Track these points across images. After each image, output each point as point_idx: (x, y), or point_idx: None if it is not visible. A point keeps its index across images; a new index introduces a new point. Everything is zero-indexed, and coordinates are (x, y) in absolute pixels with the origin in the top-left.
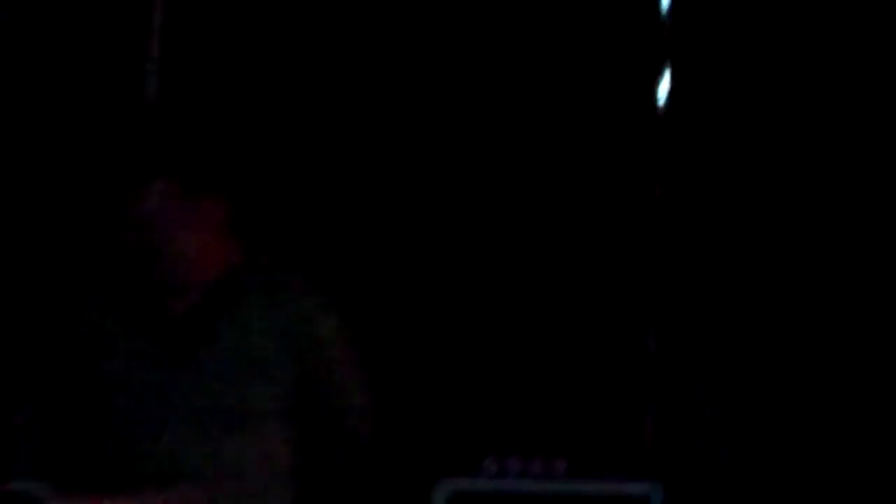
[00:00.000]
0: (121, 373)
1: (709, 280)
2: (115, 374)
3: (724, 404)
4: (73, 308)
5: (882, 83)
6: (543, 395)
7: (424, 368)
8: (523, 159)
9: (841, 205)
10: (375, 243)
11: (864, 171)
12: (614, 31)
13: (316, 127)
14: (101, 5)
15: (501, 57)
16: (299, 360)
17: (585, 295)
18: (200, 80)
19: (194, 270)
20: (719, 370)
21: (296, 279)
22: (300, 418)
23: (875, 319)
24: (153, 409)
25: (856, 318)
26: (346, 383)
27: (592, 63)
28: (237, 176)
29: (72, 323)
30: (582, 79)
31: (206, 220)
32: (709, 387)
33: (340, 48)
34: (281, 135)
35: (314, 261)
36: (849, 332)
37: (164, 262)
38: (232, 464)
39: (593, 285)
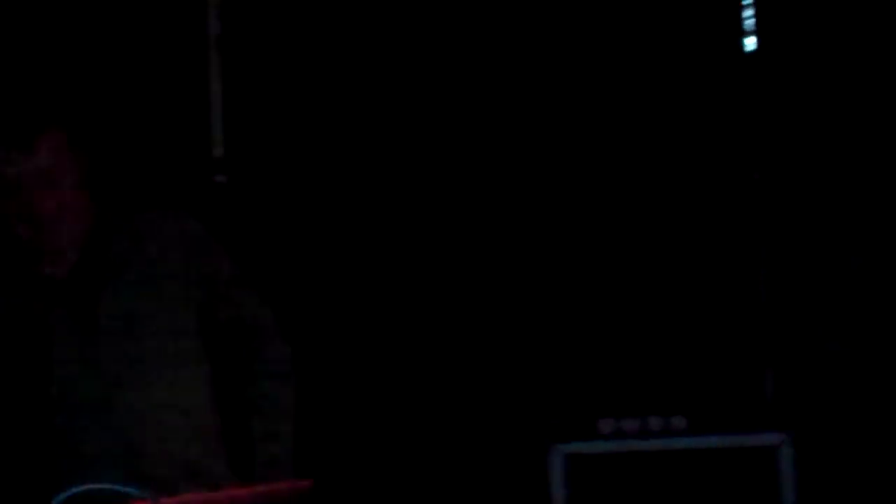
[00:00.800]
0: (29, 345)
1: (816, 227)
2: (24, 348)
3: (845, 341)
4: None
5: None
6: (657, 352)
7: (538, 332)
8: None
9: None
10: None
11: None
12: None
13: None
14: None
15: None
16: (189, 283)
17: (697, 249)
18: None
19: (74, 228)
20: (835, 313)
21: (155, 212)
22: (208, 346)
23: None
24: (72, 372)
25: None
26: (233, 293)
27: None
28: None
29: None
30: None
31: (82, 173)
32: (827, 328)
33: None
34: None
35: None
36: None
37: (45, 221)
38: (158, 405)
39: (704, 241)
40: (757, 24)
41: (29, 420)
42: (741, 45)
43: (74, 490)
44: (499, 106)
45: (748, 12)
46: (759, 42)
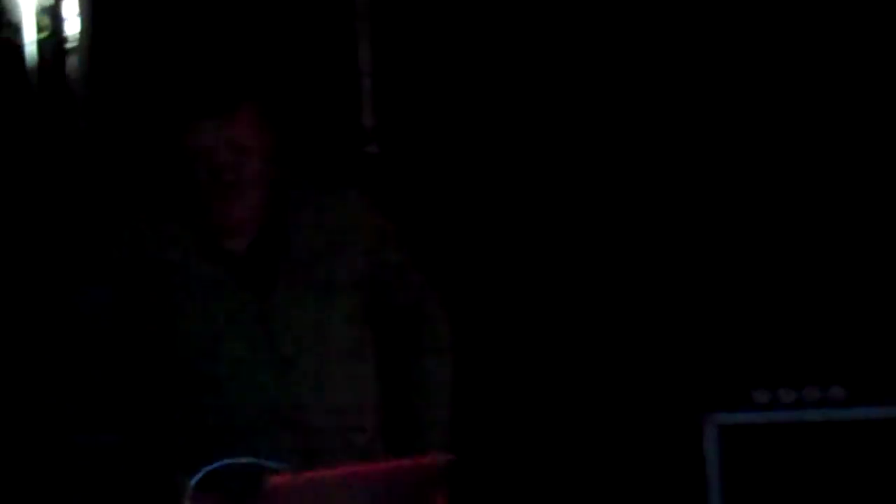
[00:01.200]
0: (198, 307)
1: None
2: (191, 309)
3: None
4: (133, 241)
5: None
6: (814, 321)
7: (694, 301)
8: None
9: None
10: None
11: None
12: None
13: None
14: None
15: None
16: (364, 268)
17: (862, 216)
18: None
19: (258, 206)
20: None
21: (333, 190)
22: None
23: None
24: (239, 343)
25: None
26: (405, 278)
27: None
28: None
29: (134, 256)
30: None
31: (270, 148)
32: None
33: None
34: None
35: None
36: None
37: (232, 192)
38: (328, 387)
39: (871, 207)
40: None
41: (192, 391)
42: None
43: (212, 466)
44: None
45: None
46: None
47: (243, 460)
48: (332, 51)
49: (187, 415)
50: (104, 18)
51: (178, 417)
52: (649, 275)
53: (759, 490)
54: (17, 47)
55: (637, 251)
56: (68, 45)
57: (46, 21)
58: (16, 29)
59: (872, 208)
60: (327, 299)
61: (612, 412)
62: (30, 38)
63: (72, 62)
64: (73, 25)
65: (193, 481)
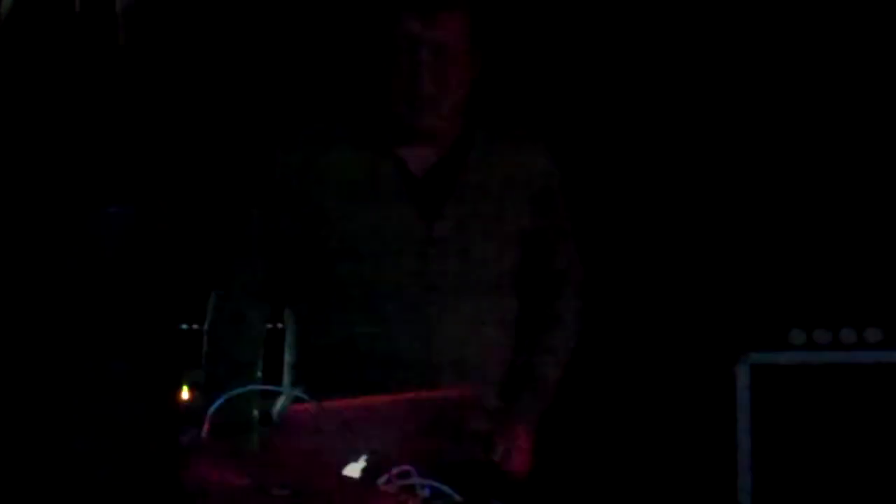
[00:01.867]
0: (364, 217)
1: None
2: (348, 217)
3: None
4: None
5: None
6: (851, 261)
7: (730, 242)
8: None
9: None
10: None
11: None
12: None
13: None
14: None
15: None
16: (532, 216)
17: (880, 154)
18: None
19: (452, 119)
20: None
21: (529, 137)
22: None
23: None
24: (398, 258)
25: None
26: (560, 243)
27: None
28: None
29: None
30: None
31: (474, 64)
32: None
33: None
34: None
35: None
36: None
37: (428, 96)
38: (470, 323)
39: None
40: None
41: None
42: None
43: (232, 392)
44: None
45: None
46: None
47: (266, 387)
48: None
49: (328, 332)
50: None
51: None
52: (686, 214)
53: (789, 431)
54: None
55: (674, 190)
56: None
57: None
58: None
59: None
60: (485, 245)
61: (646, 350)
62: None
63: None
64: None
65: (212, 408)
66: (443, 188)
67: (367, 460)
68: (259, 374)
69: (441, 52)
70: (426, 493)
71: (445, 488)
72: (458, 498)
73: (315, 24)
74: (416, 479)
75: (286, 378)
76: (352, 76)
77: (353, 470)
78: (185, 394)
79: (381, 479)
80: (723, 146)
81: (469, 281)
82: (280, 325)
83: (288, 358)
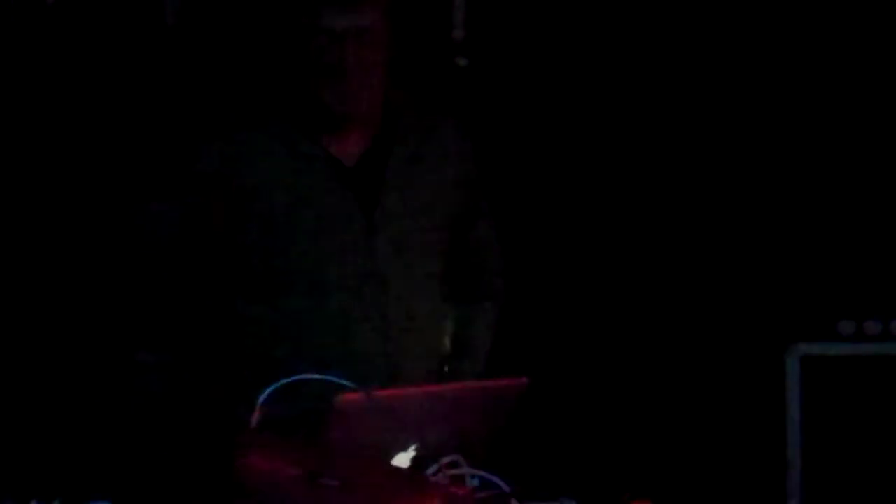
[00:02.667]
0: (303, 211)
1: None
2: (289, 210)
3: None
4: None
5: None
6: None
7: (779, 231)
8: None
9: None
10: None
11: None
12: None
13: None
14: None
15: None
16: (454, 204)
17: None
18: None
19: (376, 105)
20: None
21: (451, 121)
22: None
23: None
24: (342, 250)
25: None
26: (481, 222)
27: None
28: None
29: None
30: None
31: (391, 45)
32: None
33: None
34: None
35: None
36: None
37: (352, 83)
38: (411, 308)
39: None
40: None
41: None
42: None
43: (281, 382)
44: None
45: None
46: None
47: (315, 376)
48: None
49: (277, 327)
50: None
51: (265, 329)
52: (737, 203)
53: (839, 423)
54: None
55: (725, 177)
56: None
57: None
58: None
59: None
60: (423, 230)
61: (695, 341)
62: None
63: None
64: None
65: (262, 397)
66: (375, 177)
67: (416, 450)
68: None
69: (363, 38)
70: (475, 483)
71: (495, 478)
72: (507, 488)
73: (232, 16)
74: (465, 470)
75: None
76: (274, 69)
77: (403, 460)
78: None
79: (431, 470)
80: (781, 132)
81: (412, 269)
82: None
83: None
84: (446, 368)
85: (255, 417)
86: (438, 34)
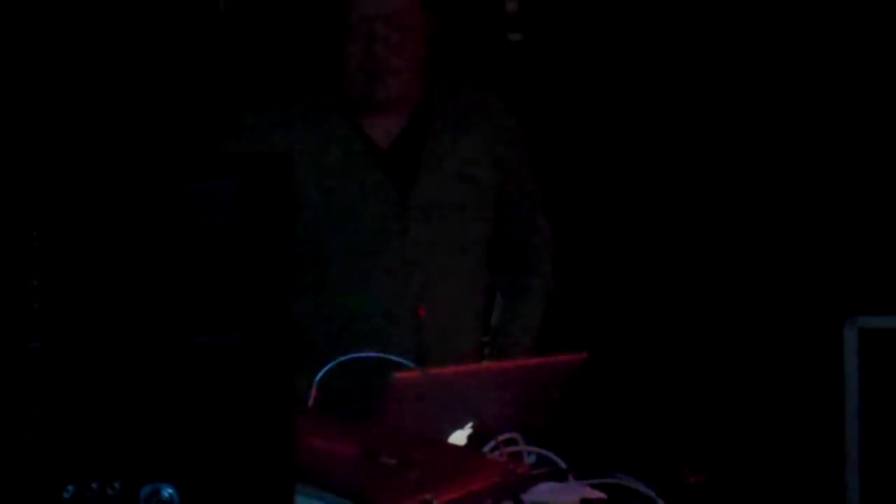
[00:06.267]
0: (333, 195)
1: None
2: (324, 196)
3: None
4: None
5: None
6: None
7: (838, 203)
8: None
9: None
10: None
11: None
12: None
13: None
14: None
15: None
16: (494, 190)
17: None
18: None
19: (410, 87)
20: None
21: (490, 99)
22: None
23: None
24: (379, 231)
25: None
26: (526, 211)
27: None
28: None
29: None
30: None
31: (427, 34)
32: None
33: None
34: None
35: None
36: None
37: (385, 70)
38: (448, 291)
39: None
40: None
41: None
42: None
43: (337, 360)
44: None
45: None
46: None
47: (372, 354)
48: None
49: (314, 310)
50: None
51: (302, 314)
52: (799, 175)
53: None
54: None
55: (783, 153)
56: None
57: None
58: None
59: None
60: (458, 215)
61: (754, 315)
62: None
63: None
64: None
65: (318, 376)
66: (411, 158)
67: (473, 427)
68: None
69: (394, 23)
70: (532, 460)
71: (552, 455)
72: (564, 465)
73: (269, 7)
74: (522, 447)
75: None
76: (308, 57)
77: (460, 437)
78: None
79: (488, 447)
80: (835, 113)
81: (450, 248)
82: None
83: None
84: (486, 351)
85: (312, 397)
86: (490, 7)
